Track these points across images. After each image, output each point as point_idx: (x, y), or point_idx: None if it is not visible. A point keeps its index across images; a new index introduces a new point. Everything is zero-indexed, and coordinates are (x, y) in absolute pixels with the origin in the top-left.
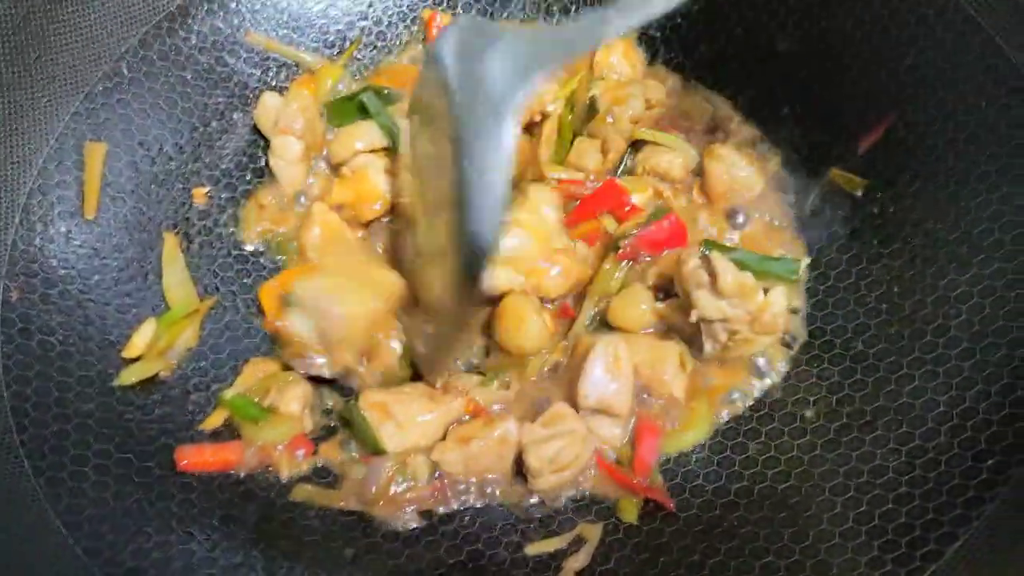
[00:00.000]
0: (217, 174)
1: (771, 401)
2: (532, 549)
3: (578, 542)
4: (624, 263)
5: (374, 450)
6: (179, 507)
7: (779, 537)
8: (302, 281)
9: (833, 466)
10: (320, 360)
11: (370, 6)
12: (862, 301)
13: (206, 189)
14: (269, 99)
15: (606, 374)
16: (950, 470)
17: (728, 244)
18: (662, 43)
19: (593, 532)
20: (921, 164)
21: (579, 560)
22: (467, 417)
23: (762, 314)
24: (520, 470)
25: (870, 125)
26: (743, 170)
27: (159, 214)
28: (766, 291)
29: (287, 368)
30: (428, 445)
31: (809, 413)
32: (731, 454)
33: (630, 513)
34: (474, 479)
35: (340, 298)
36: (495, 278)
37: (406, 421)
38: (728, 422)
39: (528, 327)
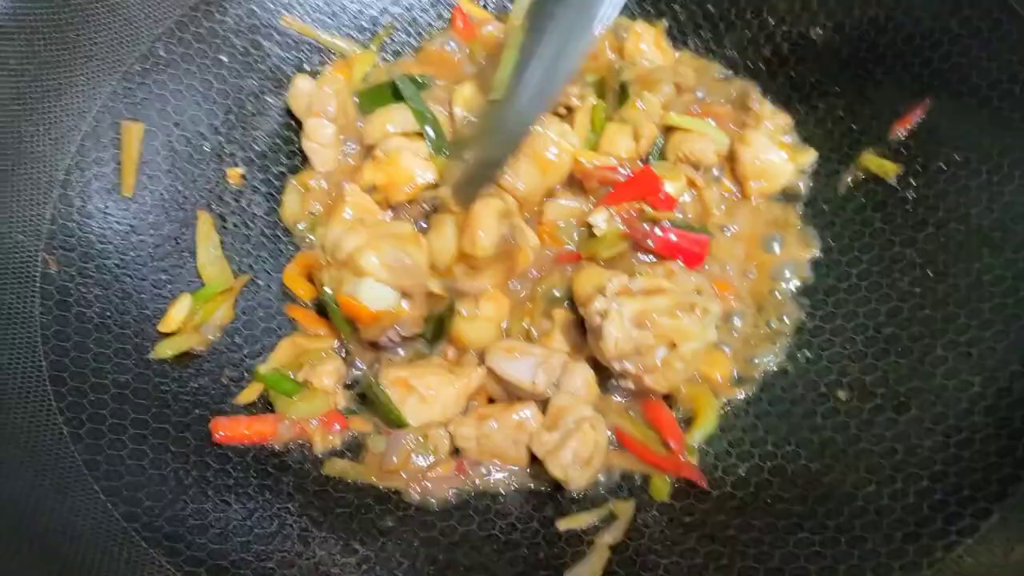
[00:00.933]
0: (251, 155)
1: (804, 381)
2: (564, 524)
3: (610, 518)
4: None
5: (397, 424)
6: (215, 476)
7: (813, 514)
8: (362, 252)
9: (867, 445)
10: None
11: None
12: (896, 285)
13: (240, 170)
14: (302, 82)
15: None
16: (985, 448)
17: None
18: (693, 29)
19: (625, 509)
20: (955, 150)
21: (611, 535)
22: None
23: (668, 367)
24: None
25: (904, 111)
26: (774, 155)
27: (194, 193)
28: None
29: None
30: (449, 419)
31: (842, 394)
32: (764, 434)
33: (662, 491)
34: (492, 462)
35: (404, 248)
36: None
37: (428, 394)
38: (752, 400)
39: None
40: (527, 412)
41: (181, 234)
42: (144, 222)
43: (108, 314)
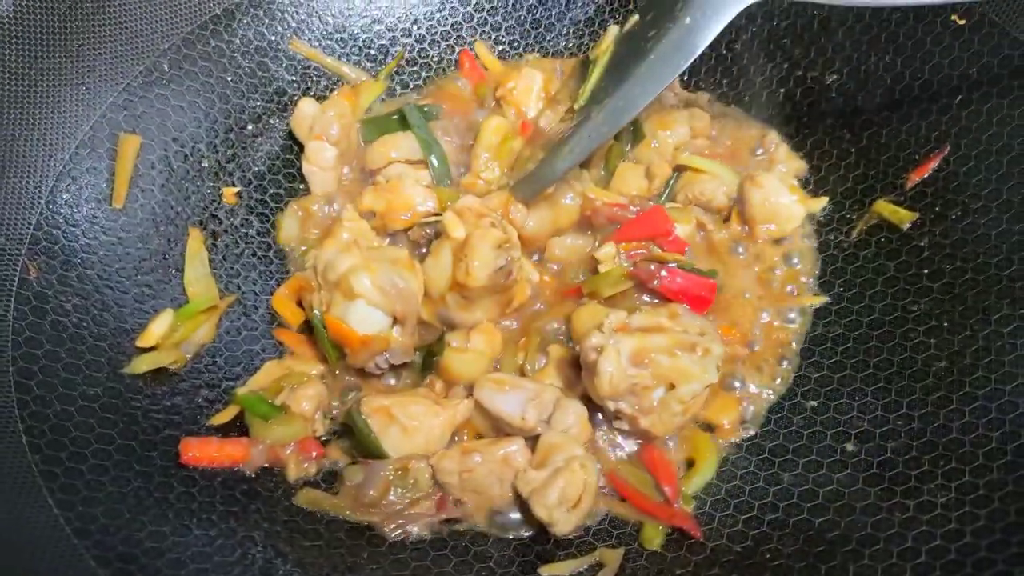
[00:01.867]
0: (249, 176)
1: (810, 432)
2: (547, 571)
3: (597, 567)
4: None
5: (376, 455)
6: (178, 499)
7: (815, 571)
8: (356, 273)
9: (876, 500)
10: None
11: (414, 23)
12: (908, 335)
13: (236, 189)
14: (306, 106)
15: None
16: (1004, 507)
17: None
18: (707, 73)
19: (613, 557)
20: (973, 198)
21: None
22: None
23: (665, 409)
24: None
25: (920, 158)
26: (783, 197)
27: (187, 209)
28: None
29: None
30: (432, 452)
31: (851, 446)
32: (764, 484)
33: (653, 540)
34: (472, 500)
35: (399, 272)
36: None
37: (411, 425)
38: (752, 449)
39: None
40: (514, 447)
41: (169, 249)
42: (132, 235)
43: (84, 325)
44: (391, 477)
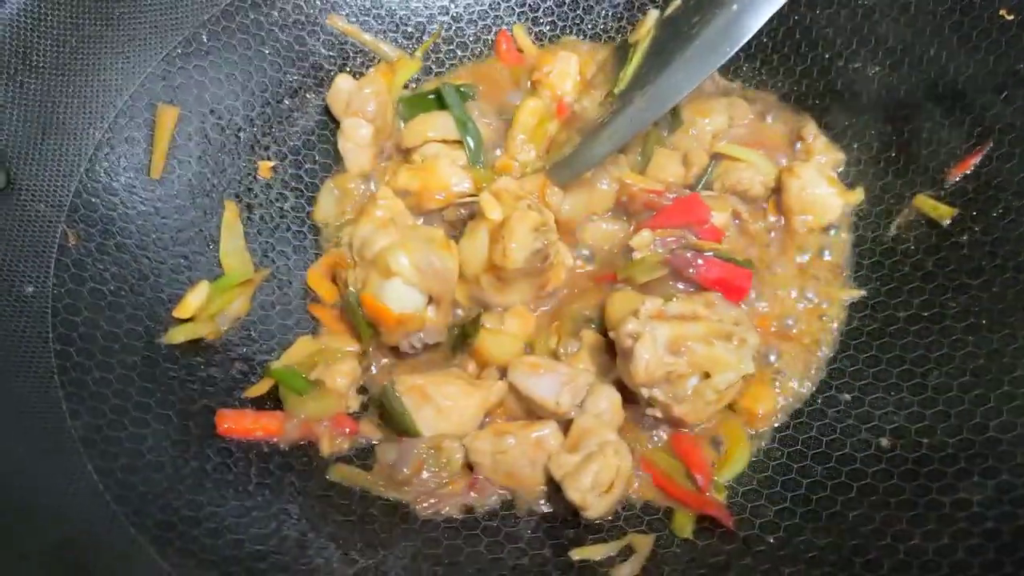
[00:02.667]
0: (285, 150)
1: (844, 426)
2: (578, 554)
3: (628, 552)
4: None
5: (410, 433)
6: (214, 469)
7: (850, 564)
8: (393, 252)
9: (911, 496)
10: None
11: (452, 1)
12: (946, 332)
13: (272, 163)
14: (342, 82)
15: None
16: None
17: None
18: (747, 62)
19: (644, 543)
20: (1015, 196)
21: (628, 570)
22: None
23: (699, 397)
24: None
25: (962, 154)
26: (821, 188)
27: (223, 182)
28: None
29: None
30: (465, 432)
31: (885, 442)
32: (797, 476)
33: (685, 528)
34: (504, 482)
35: (435, 252)
36: None
37: (446, 405)
38: (786, 440)
39: None
40: (547, 431)
41: (205, 221)
42: (169, 205)
43: (123, 293)
44: (424, 455)
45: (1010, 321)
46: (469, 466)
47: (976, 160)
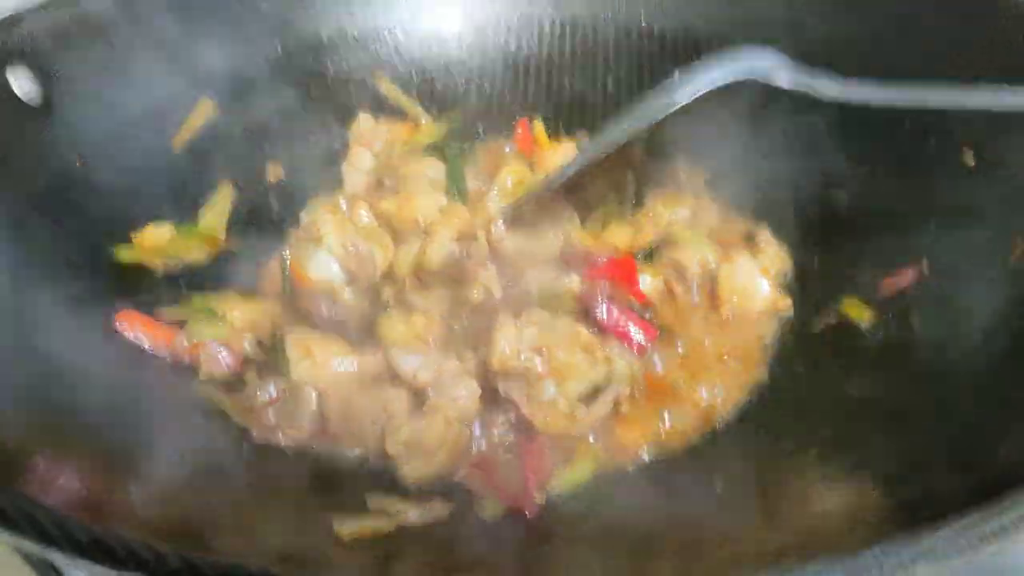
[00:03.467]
0: (296, 162)
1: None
2: (375, 503)
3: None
4: None
5: (282, 376)
6: (101, 357)
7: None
8: (327, 227)
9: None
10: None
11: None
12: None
13: (281, 170)
14: (365, 121)
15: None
16: None
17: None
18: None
19: (443, 508)
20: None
21: (414, 514)
22: None
23: (552, 406)
24: None
25: (894, 272)
26: (754, 280)
27: (232, 170)
28: None
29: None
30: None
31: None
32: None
33: (489, 510)
34: (345, 434)
35: (365, 239)
36: None
37: (321, 361)
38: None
39: None
40: (396, 395)
41: (200, 193)
42: (173, 167)
43: (99, 211)
44: (280, 390)
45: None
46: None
47: (908, 277)
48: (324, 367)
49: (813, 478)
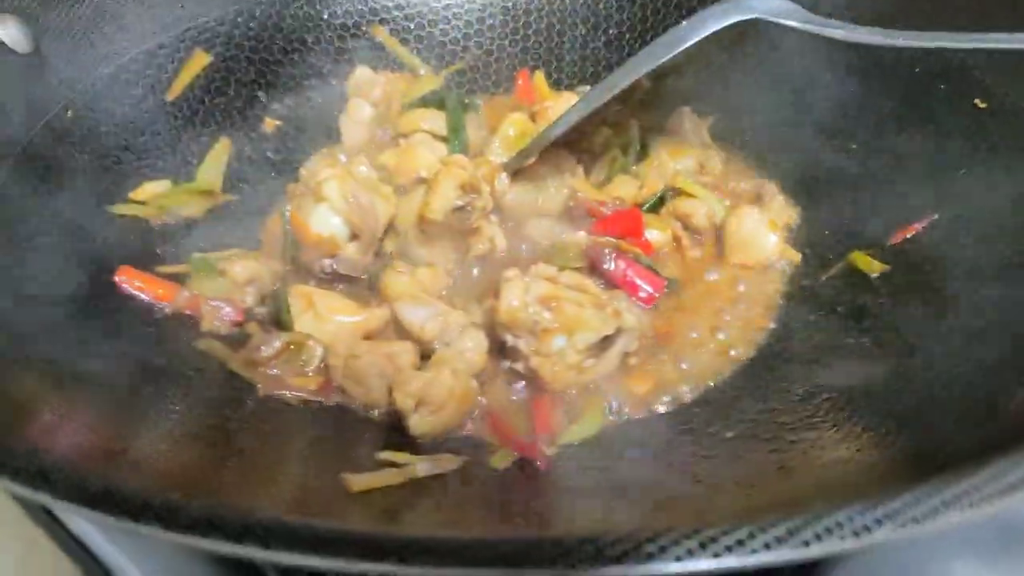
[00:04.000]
0: (294, 115)
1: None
2: (386, 455)
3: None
4: None
5: (284, 327)
6: (103, 312)
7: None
8: (328, 181)
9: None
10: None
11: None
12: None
13: (278, 123)
14: (362, 72)
15: None
16: None
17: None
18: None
19: (453, 460)
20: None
21: (425, 467)
22: None
23: (561, 358)
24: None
25: (908, 221)
26: (761, 231)
27: (227, 125)
28: None
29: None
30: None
31: (730, 434)
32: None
33: (501, 462)
34: (352, 389)
35: (367, 192)
36: None
37: (325, 315)
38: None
39: None
40: (403, 348)
41: (199, 148)
42: (170, 122)
43: (93, 163)
44: (285, 344)
45: None
46: (326, 373)
47: (920, 227)
48: (327, 321)
49: (824, 427)
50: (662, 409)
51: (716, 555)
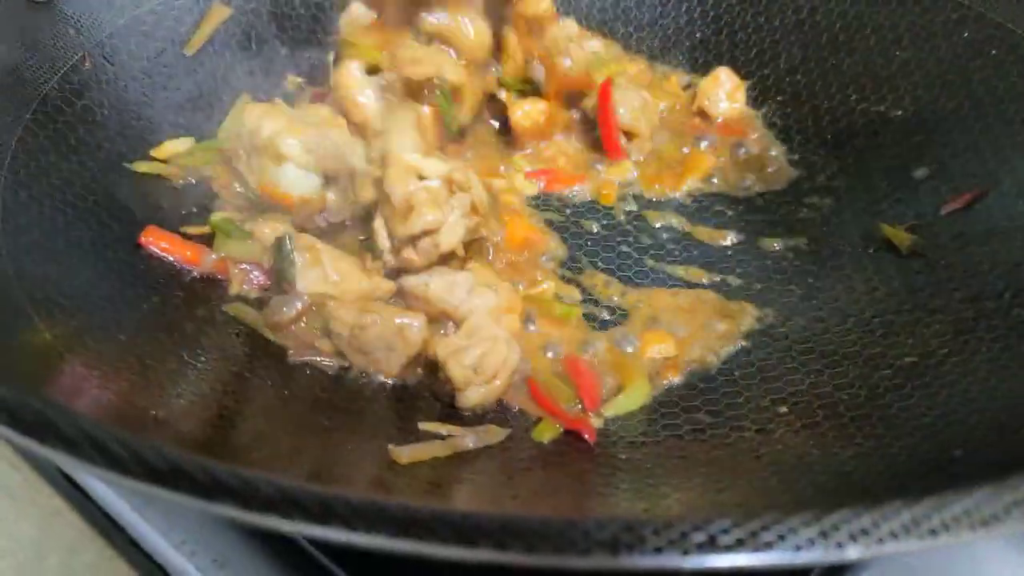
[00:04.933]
0: (317, 72)
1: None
2: (426, 426)
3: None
4: None
5: (285, 279)
6: (130, 273)
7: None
8: (282, 136)
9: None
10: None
11: None
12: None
13: (300, 80)
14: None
15: None
16: None
17: None
18: (774, 96)
19: (497, 432)
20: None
21: (470, 440)
22: None
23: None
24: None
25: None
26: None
27: (248, 83)
28: None
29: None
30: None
31: (784, 409)
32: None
33: (545, 434)
34: (358, 360)
35: (324, 131)
36: None
37: (333, 278)
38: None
39: None
40: (414, 322)
41: (219, 105)
42: (189, 79)
43: (111, 122)
44: (303, 308)
45: None
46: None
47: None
48: (334, 286)
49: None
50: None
51: (797, 547)
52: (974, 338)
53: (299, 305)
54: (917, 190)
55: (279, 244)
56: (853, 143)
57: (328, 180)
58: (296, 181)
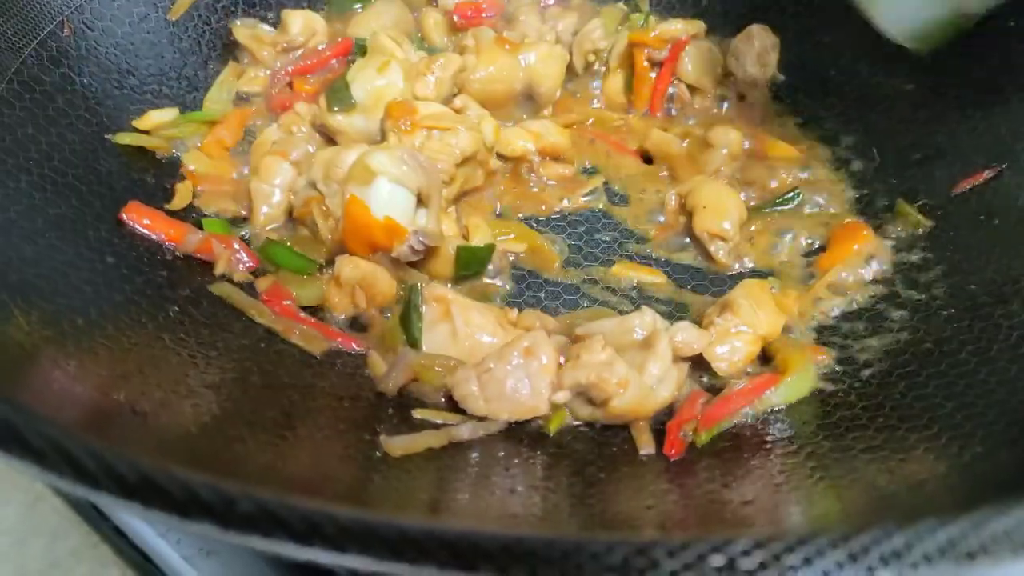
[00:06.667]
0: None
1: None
2: (421, 412)
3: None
4: None
5: (408, 341)
6: (111, 252)
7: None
8: (369, 154)
9: None
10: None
11: None
12: None
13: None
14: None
15: None
16: None
17: None
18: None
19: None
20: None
21: (461, 432)
22: None
23: None
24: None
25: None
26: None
27: (235, 49)
28: None
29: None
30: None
31: None
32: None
33: (552, 426)
34: (497, 408)
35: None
36: None
37: (463, 332)
38: None
39: None
40: (536, 339)
41: (205, 75)
42: (172, 46)
43: (93, 90)
44: (417, 368)
45: None
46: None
47: (986, 176)
48: (464, 341)
49: None
50: None
51: (825, 573)
52: (991, 325)
53: (408, 364)
54: (932, 167)
55: (410, 297)
56: (866, 117)
57: (420, 202)
58: (388, 199)
